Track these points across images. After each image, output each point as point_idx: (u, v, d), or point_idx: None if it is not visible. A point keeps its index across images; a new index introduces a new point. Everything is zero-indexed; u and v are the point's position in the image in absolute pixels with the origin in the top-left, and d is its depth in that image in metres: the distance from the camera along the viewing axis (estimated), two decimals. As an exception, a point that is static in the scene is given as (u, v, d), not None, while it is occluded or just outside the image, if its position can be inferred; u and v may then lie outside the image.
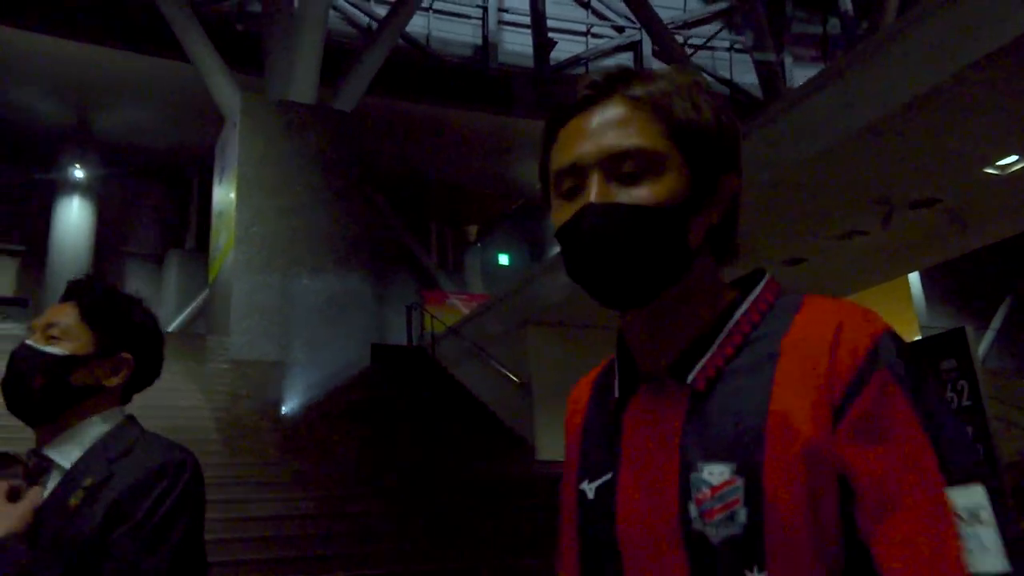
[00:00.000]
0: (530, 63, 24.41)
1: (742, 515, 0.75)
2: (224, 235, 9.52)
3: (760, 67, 20.21)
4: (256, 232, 8.70)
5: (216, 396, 8.91)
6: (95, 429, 1.40)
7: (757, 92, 23.51)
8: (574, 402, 1.00)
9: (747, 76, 24.90)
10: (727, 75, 25.69)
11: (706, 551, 0.77)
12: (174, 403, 9.36)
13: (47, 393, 1.38)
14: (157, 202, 18.34)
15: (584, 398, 0.98)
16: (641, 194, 0.79)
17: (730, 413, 0.79)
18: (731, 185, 0.85)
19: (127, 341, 1.44)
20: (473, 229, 19.17)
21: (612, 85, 0.83)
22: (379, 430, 8.94)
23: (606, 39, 25.90)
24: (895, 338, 0.77)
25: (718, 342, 0.82)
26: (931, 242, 8.34)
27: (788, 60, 24.96)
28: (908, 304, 12.73)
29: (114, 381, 1.43)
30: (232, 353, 8.56)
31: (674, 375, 0.83)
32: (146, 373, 1.49)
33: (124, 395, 1.47)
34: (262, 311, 8.44)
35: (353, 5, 17.53)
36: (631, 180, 0.80)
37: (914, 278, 15.60)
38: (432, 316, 12.15)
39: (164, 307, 17.72)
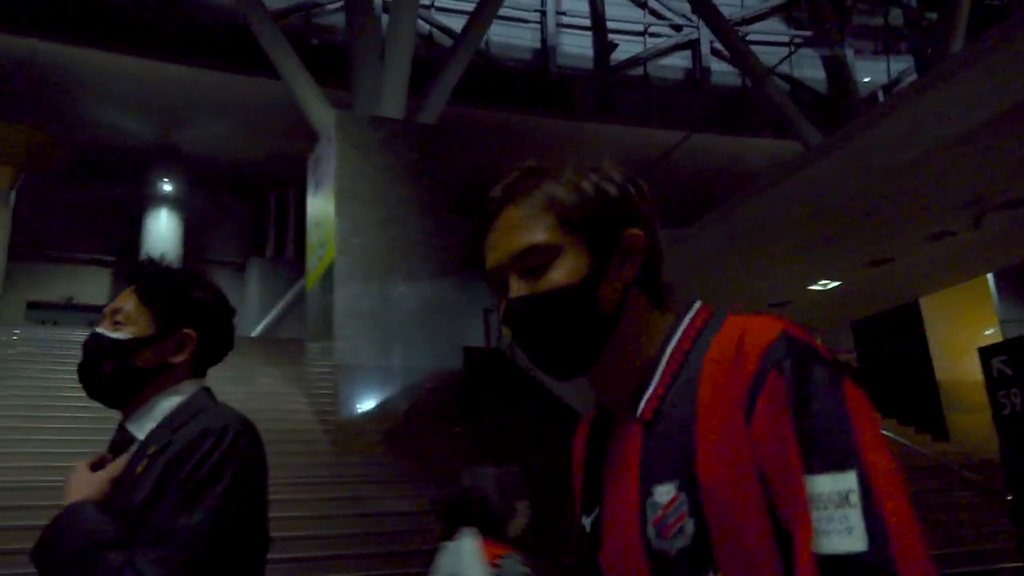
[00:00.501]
0: (589, 65, 24.65)
1: (690, 526, 0.82)
2: (322, 245, 10.03)
3: (827, 62, 20.03)
4: (355, 243, 9.18)
5: (320, 399, 9.41)
6: (167, 403, 1.46)
7: (820, 87, 23.40)
8: (577, 443, 1.09)
9: (808, 71, 24.73)
10: (787, 71, 25.53)
11: (667, 566, 0.84)
12: (276, 406, 9.89)
13: (115, 377, 1.45)
14: (237, 213, 19.06)
15: (583, 439, 1.07)
16: (546, 281, 0.90)
17: (670, 435, 0.87)
18: (636, 238, 0.93)
19: (188, 318, 1.49)
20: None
21: (507, 195, 0.94)
22: (474, 429, 9.32)
23: (664, 38, 26.02)
24: (789, 339, 0.82)
25: (657, 374, 0.91)
26: (1019, 241, 8.44)
27: (849, 53, 24.76)
28: (988, 301, 12.70)
29: (179, 358, 1.48)
30: (336, 358, 9.05)
31: (629, 411, 0.92)
32: (215, 347, 1.54)
33: (196, 369, 1.51)
34: (363, 317, 8.91)
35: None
36: (537, 272, 0.91)
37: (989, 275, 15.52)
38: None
39: (247, 312, 18.44)
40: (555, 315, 0.90)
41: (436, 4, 20.78)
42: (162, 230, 17.05)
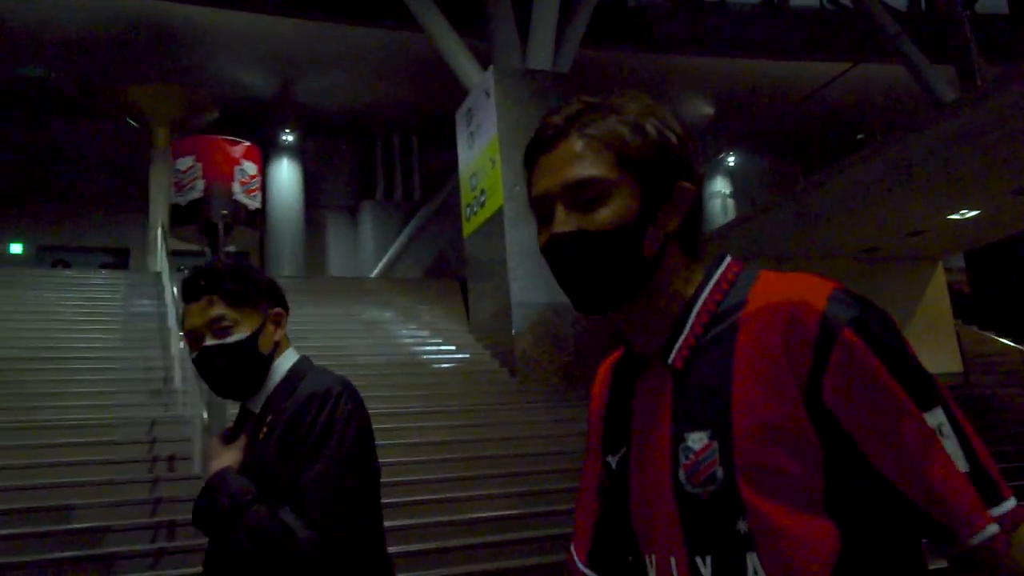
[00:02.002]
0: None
1: (719, 473, 0.87)
2: (481, 194, 10.76)
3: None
4: (519, 190, 9.87)
5: (497, 336, 10.30)
6: (276, 376, 1.68)
7: (900, 4, 23.03)
8: (598, 384, 1.14)
9: None
10: None
11: (698, 509, 0.89)
12: (451, 342, 10.81)
13: (254, 369, 1.66)
14: (348, 159, 19.86)
15: (605, 380, 1.12)
16: (595, 218, 0.92)
17: (703, 385, 0.90)
18: (687, 191, 0.96)
19: (270, 297, 1.72)
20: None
21: (569, 125, 0.95)
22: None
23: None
24: (846, 294, 0.87)
25: (688, 324, 0.94)
26: None
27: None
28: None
29: (280, 334, 1.72)
30: (513, 297, 9.89)
31: (661, 358, 0.96)
32: (287, 312, 1.77)
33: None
34: (532, 259, 9.66)
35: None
36: (588, 206, 0.92)
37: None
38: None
39: (362, 253, 19.40)
40: (599, 254, 0.92)
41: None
42: (284, 178, 17.95)
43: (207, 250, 7.37)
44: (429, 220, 18.56)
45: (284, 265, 17.23)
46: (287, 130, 17.53)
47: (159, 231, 13.51)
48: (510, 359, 9.85)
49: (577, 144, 0.94)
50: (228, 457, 1.61)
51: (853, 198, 9.61)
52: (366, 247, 19.16)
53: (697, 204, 0.97)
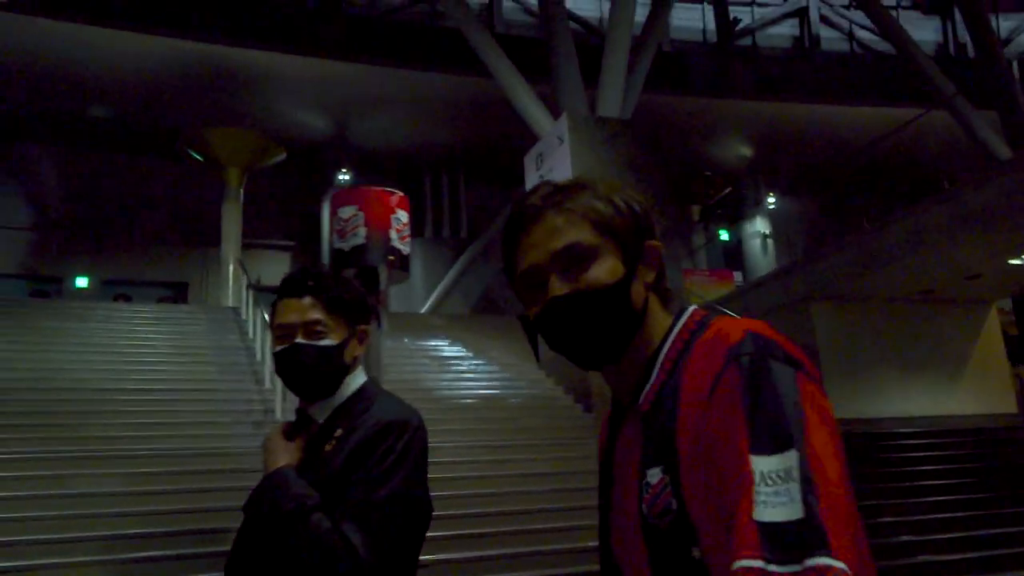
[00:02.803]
0: (699, 37, 25.18)
1: (673, 504, 0.93)
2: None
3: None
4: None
5: (569, 371, 10.63)
6: (346, 391, 1.72)
7: (929, 48, 23.53)
8: (601, 432, 1.22)
9: (920, 33, 24.66)
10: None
11: (659, 539, 0.96)
12: (523, 376, 11.13)
13: (332, 376, 1.69)
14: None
15: (603, 431, 1.21)
16: (587, 278, 1.00)
17: (660, 425, 0.98)
18: (656, 248, 1.07)
19: (361, 316, 1.76)
20: (696, 209, 20.46)
21: (545, 203, 1.04)
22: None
23: (772, 7, 26.35)
24: (753, 337, 0.93)
25: (656, 369, 1.02)
26: None
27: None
28: None
29: (361, 351, 1.76)
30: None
31: (633, 402, 1.05)
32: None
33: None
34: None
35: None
36: (578, 268, 1.01)
37: None
38: (690, 292, 13.60)
39: (412, 289, 19.84)
40: (596, 310, 1.00)
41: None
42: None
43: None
44: (476, 257, 19.01)
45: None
46: (343, 170, 18.09)
47: (230, 267, 14.03)
48: (584, 394, 10.16)
49: (557, 219, 1.03)
50: (288, 455, 1.62)
51: (916, 242, 9.96)
52: (415, 283, 19.59)
53: (662, 259, 1.08)
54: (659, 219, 1.11)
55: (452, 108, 17.60)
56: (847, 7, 26.40)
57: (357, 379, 1.74)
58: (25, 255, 17.15)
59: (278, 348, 1.69)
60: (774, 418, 0.86)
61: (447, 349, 12.07)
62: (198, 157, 14.85)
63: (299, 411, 1.75)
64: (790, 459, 0.83)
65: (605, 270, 1.00)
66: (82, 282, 17.29)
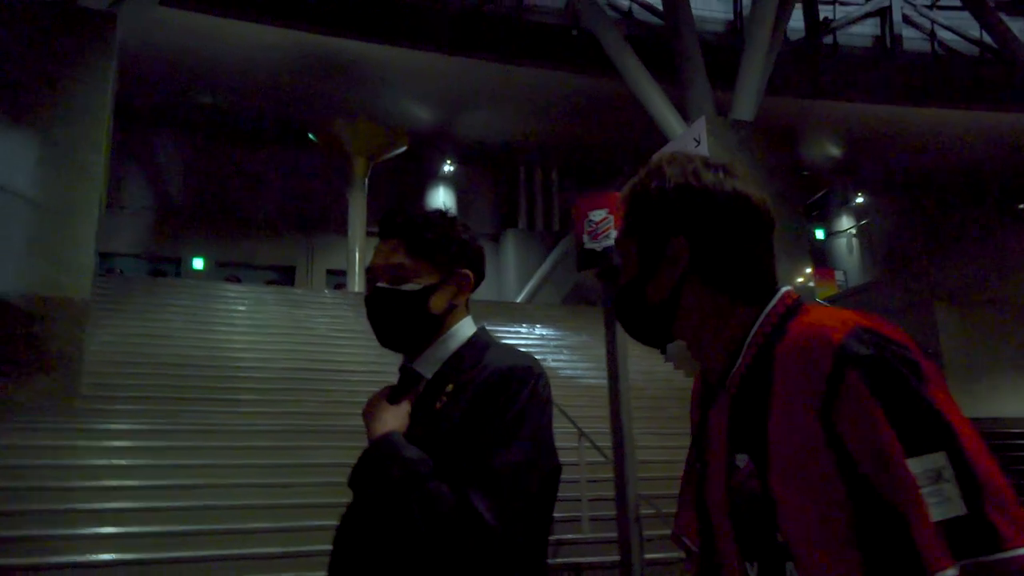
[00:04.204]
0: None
1: (757, 491, 0.97)
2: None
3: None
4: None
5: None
6: (452, 342, 1.54)
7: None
8: (694, 393, 1.23)
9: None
10: (976, 35, 25.49)
11: (744, 520, 1.01)
12: (658, 368, 11.60)
13: (416, 325, 1.51)
14: (494, 188, 20.95)
15: (697, 395, 1.21)
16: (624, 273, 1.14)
17: (748, 411, 1.01)
18: (678, 246, 1.07)
19: (461, 258, 1.56)
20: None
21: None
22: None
23: (855, 6, 26.32)
24: (863, 334, 0.91)
25: (742, 355, 1.04)
26: None
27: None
28: None
29: (462, 298, 1.56)
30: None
31: (720, 384, 1.08)
32: (480, 280, 1.61)
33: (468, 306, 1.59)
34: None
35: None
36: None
37: None
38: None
39: (504, 279, 20.40)
40: (619, 305, 1.15)
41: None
42: (439, 205, 19.02)
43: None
44: (569, 250, 19.50)
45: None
46: (448, 161, 18.63)
47: (356, 253, 14.65)
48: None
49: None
50: (394, 420, 1.45)
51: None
52: (508, 273, 20.14)
53: (709, 249, 1.06)
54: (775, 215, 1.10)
55: (549, 104, 18.00)
56: (929, 7, 26.33)
57: (464, 329, 1.57)
58: (146, 236, 17.94)
59: (365, 293, 1.57)
60: (916, 419, 0.86)
61: (574, 338, 12.57)
62: (324, 147, 15.40)
63: (403, 369, 1.55)
64: (939, 459, 0.84)
65: (624, 271, 1.17)
66: (198, 263, 18.06)
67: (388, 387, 1.55)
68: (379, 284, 1.53)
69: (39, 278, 7.86)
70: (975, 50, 25.08)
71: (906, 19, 26.88)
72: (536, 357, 1.51)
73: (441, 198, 19.14)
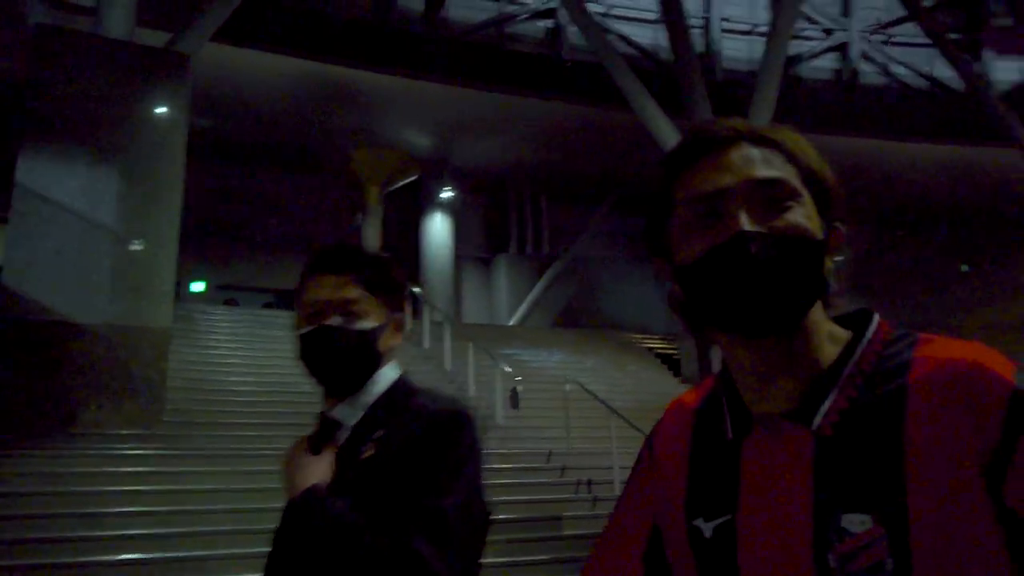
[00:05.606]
0: (746, 68, 26.44)
1: (888, 565, 0.74)
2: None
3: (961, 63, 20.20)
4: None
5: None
6: (377, 387, 1.49)
7: (958, 86, 24.99)
8: (673, 430, 0.97)
9: (947, 71, 25.94)
10: (928, 70, 27.00)
11: None
12: (674, 391, 12.26)
13: (366, 365, 1.48)
14: (486, 213, 21.52)
15: (686, 429, 0.95)
16: (790, 219, 0.81)
17: (862, 458, 0.78)
18: (842, 235, 0.87)
19: (402, 300, 1.56)
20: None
21: (748, 132, 0.86)
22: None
23: (817, 41, 27.69)
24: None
25: (840, 384, 0.82)
26: None
27: (989, 53, 26.24)
28: None
29: (396, 341, 1.53)
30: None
31: (796, 418, 0.82)
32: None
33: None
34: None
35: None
36: (777, 207, 0.82)
37: None
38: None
39: (495, 302, 20.95)
40: (796, 262, 0.80)
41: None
42: (437, 230, 19.54)
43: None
44: (559, 274, 20.21)
45: (436, 312, 18.70)
46: (446, 188, 19.15)
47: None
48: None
49: (756, 151, 0.85)
50: (317, 472, 1.40)
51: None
52: (499, 296, 20.70)
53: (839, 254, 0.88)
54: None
55: (541, 132, 18.62)
56: (885, 43, 27.86)
57: (391, 372, 1.53)
58: (147, 258, 17.97)
59: (305, 329, 1.48)
60: None
61: (592, 361, 13.21)
62: (336, 174, 15.75)
63: (321, 416, 1.50)
64: None
65: (809, 220, 0.83)
66: (198, 286, 18.17)
67: (305, 437, 1.48)
68: (329, 321, 1.45)
69: (123, 308, 8.17)
70: (925, 84, 26.71)
71: (864, 55, 28.43)
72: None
73: (438, 224, 19.62)
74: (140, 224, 8.49)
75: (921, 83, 27.33)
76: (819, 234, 0.83)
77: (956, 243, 21.09)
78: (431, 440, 1.36)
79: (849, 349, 0.84)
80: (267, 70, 15.93)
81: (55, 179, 8.05)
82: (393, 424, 1.42)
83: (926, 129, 22.39)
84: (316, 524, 1.31)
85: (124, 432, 7.67)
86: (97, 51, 8.84)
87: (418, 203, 19.53)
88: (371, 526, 1.29)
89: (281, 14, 16.33)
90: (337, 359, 1.45)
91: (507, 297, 20.53)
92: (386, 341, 1.51)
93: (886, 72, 28.16)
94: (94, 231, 8.14)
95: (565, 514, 7.52)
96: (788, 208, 0.82)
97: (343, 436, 1.46)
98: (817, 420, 0.81)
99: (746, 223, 0.80)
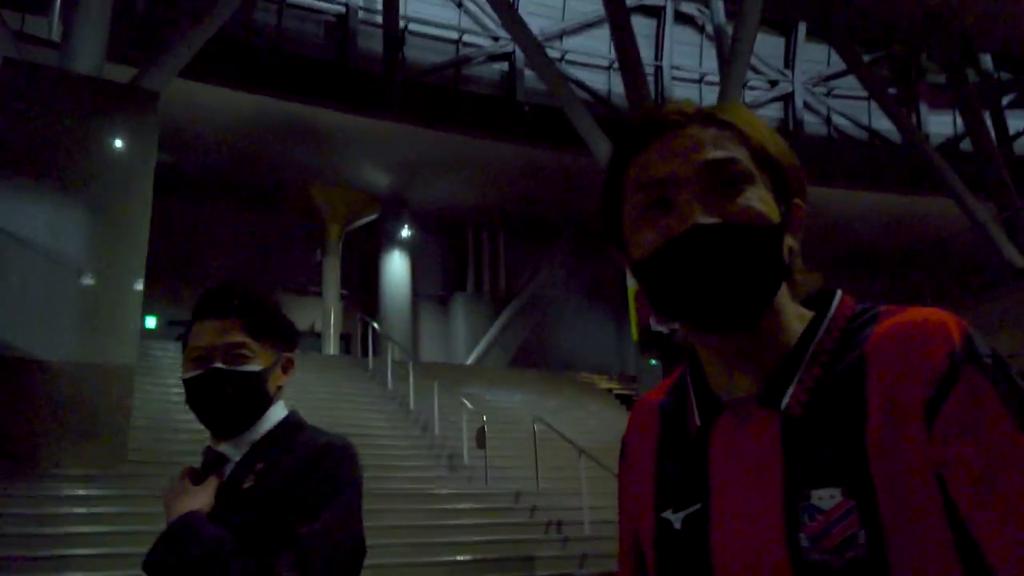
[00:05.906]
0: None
1: (862, 537, 0.72)
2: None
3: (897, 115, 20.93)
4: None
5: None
6: (265, 425, 1.54)
7: (894, 137, 26.15)
8: (642, 424, 0.96)
9: (883, 122, 27.05)
10: (866, 122, 28.25)
11: None
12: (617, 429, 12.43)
13: (254, 407, 1.52)
14: (443, 252, 21.61)
15: (653, 422, 0.94)
16: (743, 203, 0.79)
17: (829, 434, 0.77)
18: (802, 211, 0.85)
19: (288, 341, 1.60)
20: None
21: (697, 114, 0.83)
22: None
23: (761, 91, 28.80)
24: (976, 334, 0.75)
25: (805, 364, 0.81)
26: None
27: (923, 107, 27.59)
28: None
29: (284, 381, 1.59)
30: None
31: (763, 402, 0.81)
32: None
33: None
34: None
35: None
36: (730, 190, 0.79)
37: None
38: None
39: (453, 341, 20.94)
40: (752, 250, 0.78)
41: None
42: (396, 269, 19.53)
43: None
44: (516, 314, 20.34)
45: (395, 350, 18.60)
46: (405, 226, 19.21)
47: (332, 315, 14.99)
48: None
49: (705, 133, 0.82)
50: (196, 500, 1.44)
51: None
52: (456, 335, 20.71)
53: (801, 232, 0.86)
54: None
55: (496, 172, 18.84)
56: (827, 94, 29.06)
57: (279, 411, 1.57)
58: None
59: (191, 373, 1.50)
60: None
61: (554, 402, 13.30)
62: (296, 211, 15.73)
63: (208, 450, 1.55)
64: None
65: (763, 203, 0.80)
66: (151, 322, 17.80)
67: (189, 468, 1.53)
68: (216, 364, 1.48)
69: (88, 345, 8.02)
70: (864, 135, 27.93)
71: (806, 105, 29.58)
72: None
73: (397, 262, 19.62)
74: (106, 260, 8.37)
75: (861, 134, 28.53)
76: (775, 216, 0.81)
77: (896, 290, 21.84)
78: (309, 471, 1.41)
79: (812, 328, 0.83)
80: (226, 104, 15.86)
81: (21, 214, 7.92)
82: (276, 457, 1.46)
83: (866, 178, 23.36)
84: (189, 548, 1.34)
85: (88, 472, 7.48)
86: (64, 86, 8.77)
87: (377, 241, 19.51)
88: (242, 552, 1.33)
89: (242, 51, 16.39)
90: (224, 403, 1.49)
91: (464, 336, 20.55)
92: (274, 382, 1.55)
93: (827, 122, 29.34)
94: (59, 267, 8.00)
95: (538, 554, 7.54)
96: (741, 191, 0.80)
97: (228, 470, 1.50)
98: (785, 401, 0.80)
99: (699, 215, 0.78)
